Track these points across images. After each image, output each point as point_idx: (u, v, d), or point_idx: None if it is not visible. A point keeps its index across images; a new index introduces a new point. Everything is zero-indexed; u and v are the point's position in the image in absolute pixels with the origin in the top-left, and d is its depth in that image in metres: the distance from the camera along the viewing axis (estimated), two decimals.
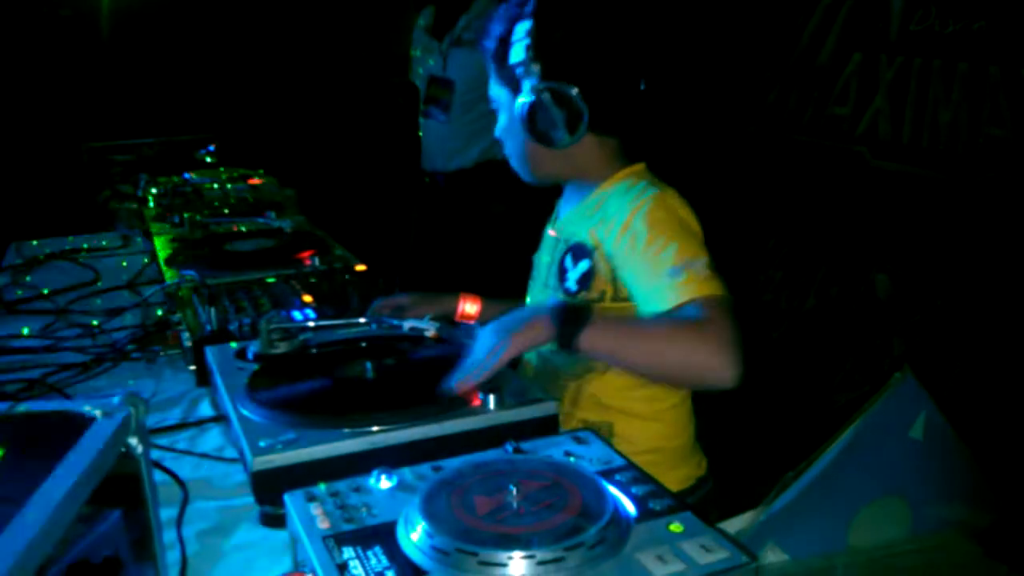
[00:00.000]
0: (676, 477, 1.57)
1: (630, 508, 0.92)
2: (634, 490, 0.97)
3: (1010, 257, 2.70)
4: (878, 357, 3.20)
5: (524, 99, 1.40)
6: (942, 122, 2.91)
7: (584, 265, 1.49)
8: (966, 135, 2.83)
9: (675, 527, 0.89)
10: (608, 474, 1.01)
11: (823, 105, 3.39)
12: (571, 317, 1.25)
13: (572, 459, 1.06)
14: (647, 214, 1.38)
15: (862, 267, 3.27)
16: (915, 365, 1.39)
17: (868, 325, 3.26)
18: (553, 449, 1.09)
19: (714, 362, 1.22)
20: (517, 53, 1.39)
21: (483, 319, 1.79)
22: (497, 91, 1.52)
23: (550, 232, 1.65)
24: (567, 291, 1.52)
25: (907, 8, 2.98)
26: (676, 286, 1.29)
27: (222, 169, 3.55)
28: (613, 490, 0.94)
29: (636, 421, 1.53)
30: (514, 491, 0.91)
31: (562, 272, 1.54)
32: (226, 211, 2.73)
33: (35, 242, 2.75)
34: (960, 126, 2.85)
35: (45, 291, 2.24)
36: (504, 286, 1.81)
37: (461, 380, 1.24)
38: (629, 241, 1.39)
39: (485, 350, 1.25)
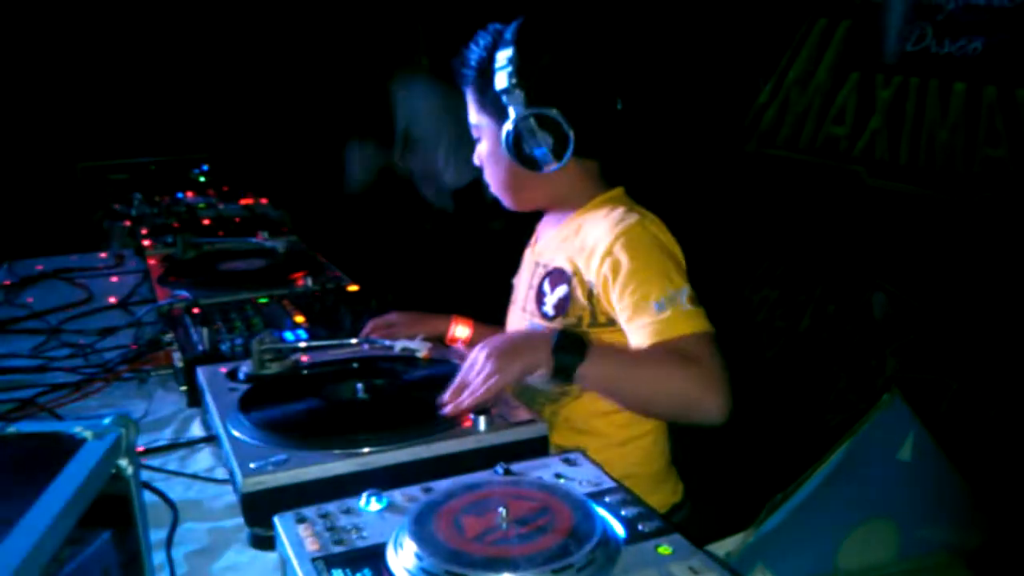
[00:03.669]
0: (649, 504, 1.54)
1: (619, 530, 0.92)
2: (623, 512, 0.97)
3: (1006, 276, 2.71)
4: (872, 377, 3.20)
5: (511, 125, 1.41)
6: (939, 142, 2.93)
7: (562, 291, 1.49)
8: (963, 155, 2.85)
9: (664, 549, 0.89)
10: (597, 496, 1.01)
11: (820, 124, 3.41)
12: (569, 347, 1.25)
13: (562, 481, 1.06)
14: (629, 242, 1.39)
15: (858, 286, 3.28)
16: (909, 385, 1.39)
17: (863, 345, 3.26)
18: (543, 471, 1.09)
19: (707, 399, 1.24)
20: (500, 80, 1.40)
21: (474, 344, 1.78)
22: (478, 118, 1.53)
23: (529, 256, 1.65)
24: (544, 315, 1.52)
25: (904, 29, 3.01)
26: (661, 322, 1.31)
27: (217, 188, 3.55)
28: (602, 512, 0.94)
29: (610, 447, 1.49)
30: (503, 513, 0.91)
31: (540, 296, 1.54)
32: (217, 231, 2.73)
33: (28, 261, 2.74)
34: (956, 146, 2.87)
35: (52, 308, 2.24)
36: (488, 308, 1.81)
37: (452, 404, 1.24)
38: (610, 269, 1.39)
39: (478, 373, 1.25)
